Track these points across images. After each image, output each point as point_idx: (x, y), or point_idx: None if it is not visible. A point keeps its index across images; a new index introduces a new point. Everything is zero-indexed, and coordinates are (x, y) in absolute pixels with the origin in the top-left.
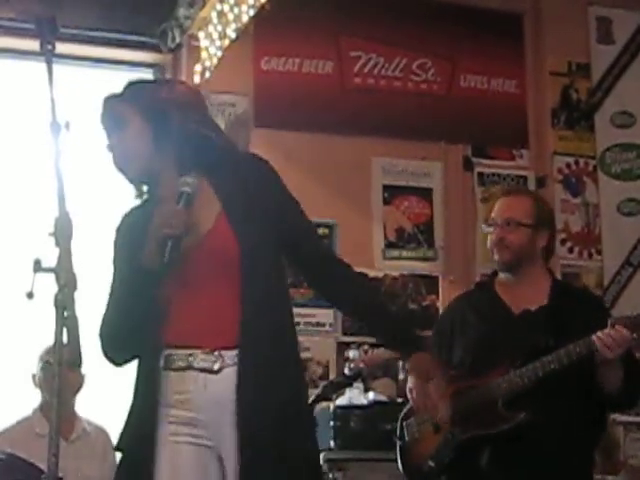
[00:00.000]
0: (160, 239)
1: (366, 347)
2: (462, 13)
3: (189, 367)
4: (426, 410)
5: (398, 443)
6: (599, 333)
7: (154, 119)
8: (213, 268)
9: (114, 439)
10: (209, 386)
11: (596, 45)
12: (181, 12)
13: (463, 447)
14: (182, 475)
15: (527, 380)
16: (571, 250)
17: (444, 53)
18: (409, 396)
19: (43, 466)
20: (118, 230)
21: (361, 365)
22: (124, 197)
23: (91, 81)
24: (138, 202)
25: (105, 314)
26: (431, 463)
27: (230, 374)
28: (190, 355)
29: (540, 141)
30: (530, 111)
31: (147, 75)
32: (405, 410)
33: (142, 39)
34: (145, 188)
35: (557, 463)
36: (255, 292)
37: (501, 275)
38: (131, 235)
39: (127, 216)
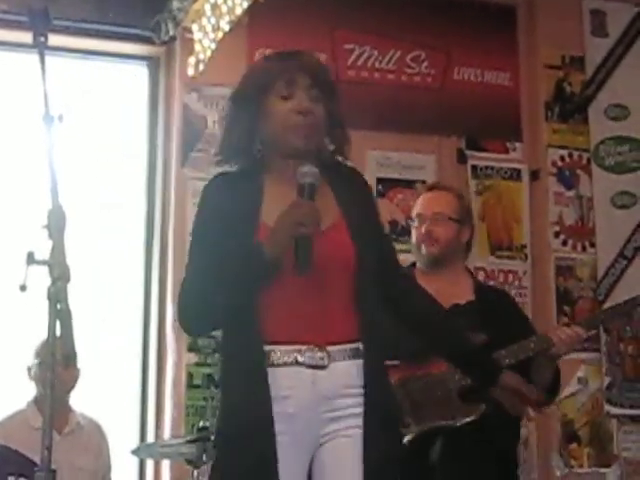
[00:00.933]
0: (297, 238)
1: None
2: (456, 5)
3: (295, 363)
4: None
5: None
6: (558, 331)
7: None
8: (326, 265)
9: (108, 433)
10: (318, 382)
11: (590, 38)
12: (174, 4)
13: (416, 438)
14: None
15: None
16: (565, 243)
17: (438, 46)
18: None
19: (37, 459)
20: (211, 194)
21: None
22: (115, 190)
23: (84, 73)
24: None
25: (195, 280)
26: None
27: (339, 369)
28: (297, 351)
29: (534, 134)
30: (524, 104)
31: (140, 68)
32: None
33: (135, 31)
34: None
35: (505, 454)
36: (369, 292)
37: (421, 269)
38: (224, 205)
39: (218, 182)
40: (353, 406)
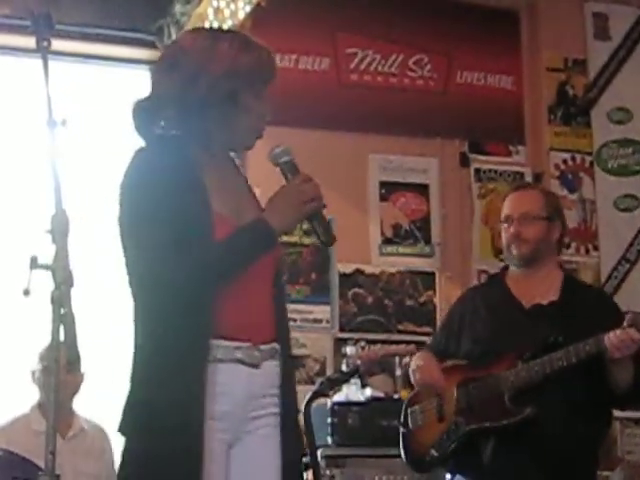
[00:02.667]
0: (312, 215)
1: (363, 343)
2: (458, 9)
3: (233, 360)
4: (432, 386)
5: (401, 430)
6: (610, 334)
7: None
8: (263, 262)
9: (112, 438)
10: (251, 380)
11: (592, 41)
12: (177, 9)
13: (466, 438)
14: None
15: (534, 375)
16: (568, 246)
17: (440, 49)
18: (412, 378)
19: (40, 462)
20: (152, 169)
21: (358, 361)
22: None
23: (87, 78)
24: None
25: (171, 263)
26: (434, 452)
27: (267, 368)
28: (236, 347)
29: (537, 137)
30: (527, 107)
31: (143, 72)
32: (410, 396)
33: (138, 36)
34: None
35: (560, 459)
36: (282, 294)
37: (513, 269)
38: (169, 183)
39: (154, 157)
40: (273, 405)
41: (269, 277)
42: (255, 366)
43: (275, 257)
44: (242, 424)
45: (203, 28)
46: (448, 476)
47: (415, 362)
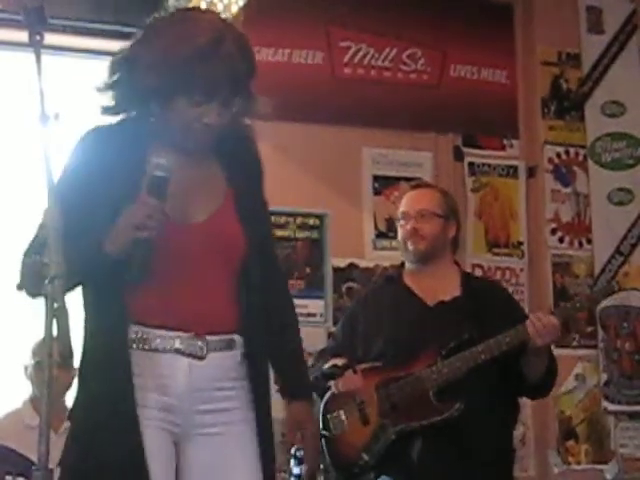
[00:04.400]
0: (134, 242)
1: None
2: (452, 3)
3: (172, 350)
4: (354, 391)
5: (324, 435)
6: (532, 321)
7: None
8: (210, 251)
9: None
10: (194, 371)
11: (586, 35)
12: (171, 2)
13: (395, 439)
14: (156, 462)
15: (457, 371)
16: (562, 240)
17: (434, 43)
18: (333, 384)
19: (33, 457)
20: (89, 150)
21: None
22: None
23: (80, 72)
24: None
25: (39, 239)
26: (365, 456)
27: (216, 359)
28: (176, 337)
29: (530, 131)
30: (520, 101)
31: None
32: (326, 401)
33: (132, 30)
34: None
35: (485, 451)
36: (252, 282)
37: (409, 267)
38: (107, 159)
39: (98, 138)
40: (227, 400)
41: (219, 268)
42: (199, 357)
43: (226, 249)
44: (189, 418)
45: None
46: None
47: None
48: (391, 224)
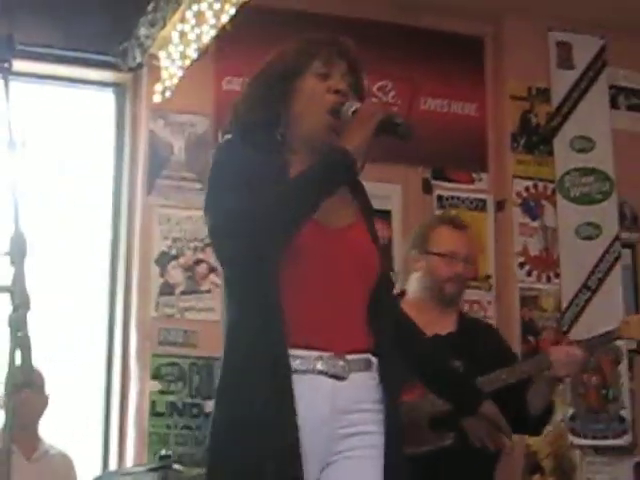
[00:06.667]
0: (384, 117)
1: None
2: (423, 36)
3: (314, 371)
4: None
5: None
6: (557, 350)
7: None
8: (351, 261)
9: (77, 465)
10: (337, 393)
11: (556, 70)
12: (142, 31)
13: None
14: None
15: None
16: (529, 273)
17: (405, 76)
18: None
19: None
20: (235, 154)
21: None
22: (80, 216)
23: (50, 99)
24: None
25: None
26: None
27: (356, 380)
28: (317, 357)
29: (500, 165)
30: (490, 135)
31: (107, 94)
32: None
33: (102, 58)
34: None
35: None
36: (383, 305)
37: (415, 298)
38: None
39: (238, 145)
40: (368, 423)
41: (358, 284)
42: (341, 378)
43: (365, 264)
44: (331, 443)
45: None
46: None
47: None
48: None
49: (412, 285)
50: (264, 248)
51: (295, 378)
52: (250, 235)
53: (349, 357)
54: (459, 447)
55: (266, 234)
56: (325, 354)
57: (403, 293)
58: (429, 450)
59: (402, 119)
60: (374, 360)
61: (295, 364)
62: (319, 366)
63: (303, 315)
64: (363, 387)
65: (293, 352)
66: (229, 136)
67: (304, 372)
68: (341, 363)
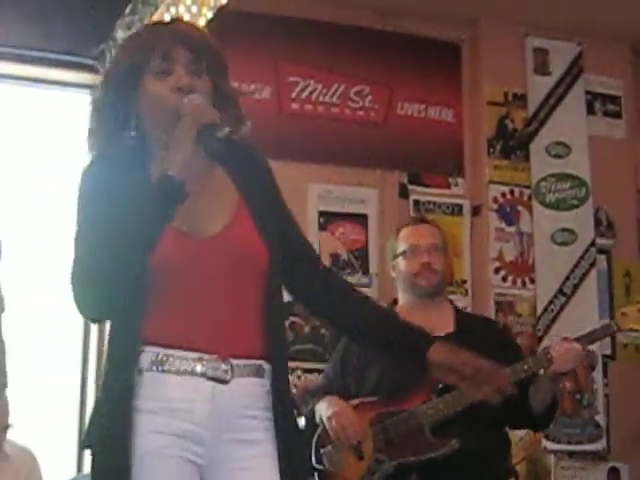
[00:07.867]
0: (203, 128)
1: (299, 373)
2: (400, 41)
3: (191, 372)
4: (347, 439)
5: (317, 470)
6: (555, 346)
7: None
8: (232, 264)
9: (41, 462)
10: (217, 397)
11: (532, 76)
12: (119, 34)
13: (390, 474)
14: None
15: (453, 407)
16: (505, 279)
17: (382, 80)
18: (328, 424)
19: None
20: (94, 183)
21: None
22: (50, 224)
23: (26, 101)
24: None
25: (91, 256)
26: None
27: (242, 385)
28: (197, 359)
29: (476, 170)
30: (466, 140)
31: (84, 96)
32: (318, 435)
33: (79, 60)
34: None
35: None
36: (277, 301)
37: (407, 302)
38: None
39: (98, 170)
40: (254, 430)
41: (243, 287)
42: (223, 381)
43: (246, 266)
44: (214, 448)
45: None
46: None
47: (330, 408)
48: (336, 259)
49: (398, 293)
50: (113, 297)
51: (169, 378)
52: (96, 286)
53: (235, 362)
54: (462, 453)
55: (110, 284)
56: (206, 356)
57: (395, 302)
58: (432, 457)
59: (220, 127)
60: (266, 367)
61: (170, 364)
62: (198, 368)
63: (180, 320)
64: (248, 393)
65: (172, 352)
66: (90, 157)
67: (179, 373)
68: (224, 367)
